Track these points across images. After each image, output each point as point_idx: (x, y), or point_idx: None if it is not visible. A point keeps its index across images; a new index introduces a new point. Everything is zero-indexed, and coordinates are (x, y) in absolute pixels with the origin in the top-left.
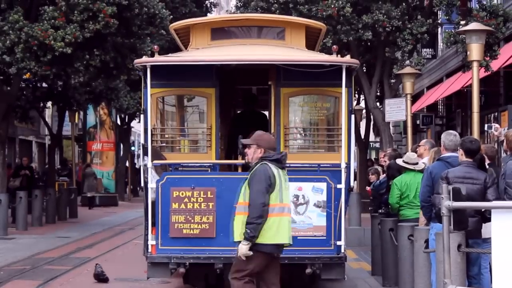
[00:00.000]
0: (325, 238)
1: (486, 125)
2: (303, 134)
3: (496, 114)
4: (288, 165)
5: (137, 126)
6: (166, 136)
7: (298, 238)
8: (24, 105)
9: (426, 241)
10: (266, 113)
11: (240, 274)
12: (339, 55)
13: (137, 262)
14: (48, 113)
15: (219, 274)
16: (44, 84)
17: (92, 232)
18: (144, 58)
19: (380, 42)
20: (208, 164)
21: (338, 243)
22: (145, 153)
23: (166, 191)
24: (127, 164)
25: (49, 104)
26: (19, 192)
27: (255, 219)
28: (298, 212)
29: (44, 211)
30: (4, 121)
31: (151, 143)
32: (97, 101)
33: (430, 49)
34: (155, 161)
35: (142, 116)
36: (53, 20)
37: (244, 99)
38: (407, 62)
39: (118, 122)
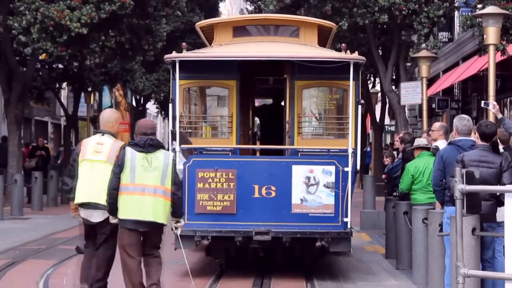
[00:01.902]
0: (333, 215)
1: (482, 102)
2: (314, 122)
3: None
4: (301, 150)
5: (152, 107)
6: (192, 123)
7: (309, 215)
8: (39, 86)
9: (440, 225)
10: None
11: (120, 250)
12: (348, 51)
13: None
14: (63, 94)
15: (238, 247)
16: (59, 65)
17: None
18: (174, 54)
19: (396, 25)
20: (229, 149)
21: (345, 219)
22: (174, 138)
23: (192, 172)
24: None
25: (64, 85)
26: (34, 172)
27: (107, 197)
28: (309, 192)
29: (60, 191)
30: (20, 101)
31: (179, 129)
32: (112, 82)
33: (447, 33)
34: (182, 146)
35: (170, 105)
36: (69, 1)
37: (264, 93)
38: (423, 45)
39: (134, 103)
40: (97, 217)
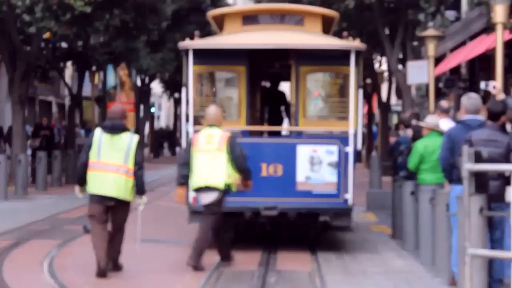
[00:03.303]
0: (335, 192)
1: (482, 83)
2: (318, 105)
3: None
4: (305, 131)
5: (157, 87)
6: (204, 106)
7: (313, 192)
8: (43, 65)
9: (447, 205)
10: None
11: (88, 218)
12: (350, 38)
13: (156, 224)
14: (68, 73)
15: (247, 222)
16: (64, 44)
17: None
18: (187, 42)
19: (403, 4)
20: (239, 130)
21: (346, 196)
22: (187, 120)
23: None
24: (146, 125)
25: (69, 64)
26: (39, 152)
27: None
28: (313, 170)
29: (64, 171)
30: (23, 81)
31: (192, 112)
32: (117, 61)
33: (454, 11)
34: (195, 127)
35: (184, 89)
36: None
37: (271, 80)
38: (430, 24)
39: (138, 83)
40: (209, 198)
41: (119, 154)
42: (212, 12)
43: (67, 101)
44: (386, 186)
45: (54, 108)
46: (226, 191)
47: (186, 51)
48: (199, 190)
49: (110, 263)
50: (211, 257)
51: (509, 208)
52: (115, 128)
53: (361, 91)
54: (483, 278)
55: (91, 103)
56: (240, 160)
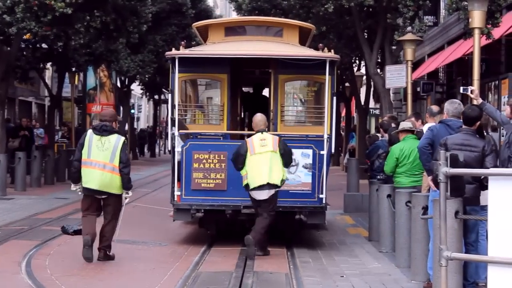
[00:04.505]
0: (310, 192)
1: (461, 87)
2: (295, 111)
3: (497, 82)
4: (284, 135)
5: (136, 89)
6: (189, 111)
7: (290, 191)
8: (24, 66)
9: (423, 208)
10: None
11: (81, 208)
12: (326, 49)
13: (135, 225)
14: (48, 74)
15: (227, 220)
16: (44, 45)
17: None
18: (174, 51)
19: (382, 8)
20: (221, 134)
21: (321, 196)
22: (173, 124)
23: (189, 154)
24: (126, 127)
25: (49, 65)
26: (18, 152)
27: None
28: (290, 172)
29: (43, 172)
30: (3, 81)
31: (177, 116)
32: (97, 63)
33: (432, 16)
34: (180, 131)
35: (170, 95)
36: None
37: (253, 86)
38: (409, 28)
39: (118, 84)
40: (265, 194)
41: (106, 153)
42: (197, 24)
43: (47, 102)
44: (363, 189)
45: (34, 109)
46: (280, 187)
47: (173, 60)
48: (256, 187)
49: (102, 253)
50: (190, 258)
51: (483, 212)
52: (104, 130)
53: (335, 98)
54: (458, 281)
55: (71, 103)
56: (289, 157)
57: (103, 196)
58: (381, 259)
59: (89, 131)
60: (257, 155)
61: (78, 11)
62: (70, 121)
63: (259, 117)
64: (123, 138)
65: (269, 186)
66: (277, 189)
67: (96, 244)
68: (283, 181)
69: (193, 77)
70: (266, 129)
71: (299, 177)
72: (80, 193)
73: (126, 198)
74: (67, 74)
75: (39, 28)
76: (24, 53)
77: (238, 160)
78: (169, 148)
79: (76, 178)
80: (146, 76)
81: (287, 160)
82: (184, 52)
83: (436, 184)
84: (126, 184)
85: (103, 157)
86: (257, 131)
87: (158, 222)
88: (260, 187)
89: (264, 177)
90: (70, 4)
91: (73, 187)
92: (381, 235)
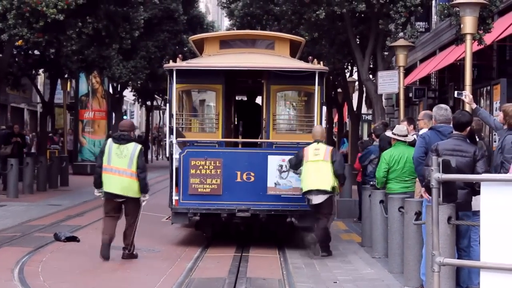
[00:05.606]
0: (301, 196)
1: (455, 92)
2: (287, 120)
3: (489, 87)
4: (275, 142)
5: (129, 95)
6: (185, 120)
7: (282, 196)
8: (16, 72)
9: (416, 214)
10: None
11: (103, 212)
12: (315, 60)
13: None
14: (40, 80)
15: (223, 222)
16: (36, 52)
17: (83, 200)
18: (171, 63)
19: (374, 14)
20: (216, 141)
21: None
22: (171, 132)
23: (186, 161)
24: None
25: (41, 71)
26: (10, 159)
27: (94, 174)
28: (282, 177)
29: (35, 178)
30: None
31: (175, 125)
32: (89, 69)
33: (424, 22)
34: (178, 139)
35: (168, 105)
36: None
37: (247, 94)
38: (401, 34)
39: (111, 91)
40: (319, 199)
41: (124, 160)
42: (193, 37)
43: (39, 108)
44: (356, 194)
45: (26, 115)
46: (332, 193)
47: (171, 71)
48: (309, 192)
49: (125, 251)
50: (183, 264)
51: (475, 217)
52: (122, 139)
53: (324, 108)
54: (451, 286)
55: (63, 110)
56: (340, 167)
57: (122, 200)
58: (374, 265)
59: (109, 140)
60: (310, 163)
61: (70, 18)
62: (62, 127)
63: (317, 128)
64: (140, 146)
65: (318, 192)
66: (330, 195)
67: (116, 244)
68: (334, 187)
69: (190, 87)
70: (323, 140)
71: (290, 182)
72: (102, 198)
73: (143, 201)
74: (59, 81)
75: (31, 35)
76: (16, 59)
77: (295, 164)
78: (167, 155)
79: (98, 183)
80: (138, 82)
81: (337, 167)
82: (181, 64)
83: (429, 190)
84: (143, 188)
85: (122, 163)
86: (314, 141)
87: (151, 228)
88: (309, 192)
89: (314, 183)
90: (62, 11)
91: (96, 192)
92: (374, 241)
